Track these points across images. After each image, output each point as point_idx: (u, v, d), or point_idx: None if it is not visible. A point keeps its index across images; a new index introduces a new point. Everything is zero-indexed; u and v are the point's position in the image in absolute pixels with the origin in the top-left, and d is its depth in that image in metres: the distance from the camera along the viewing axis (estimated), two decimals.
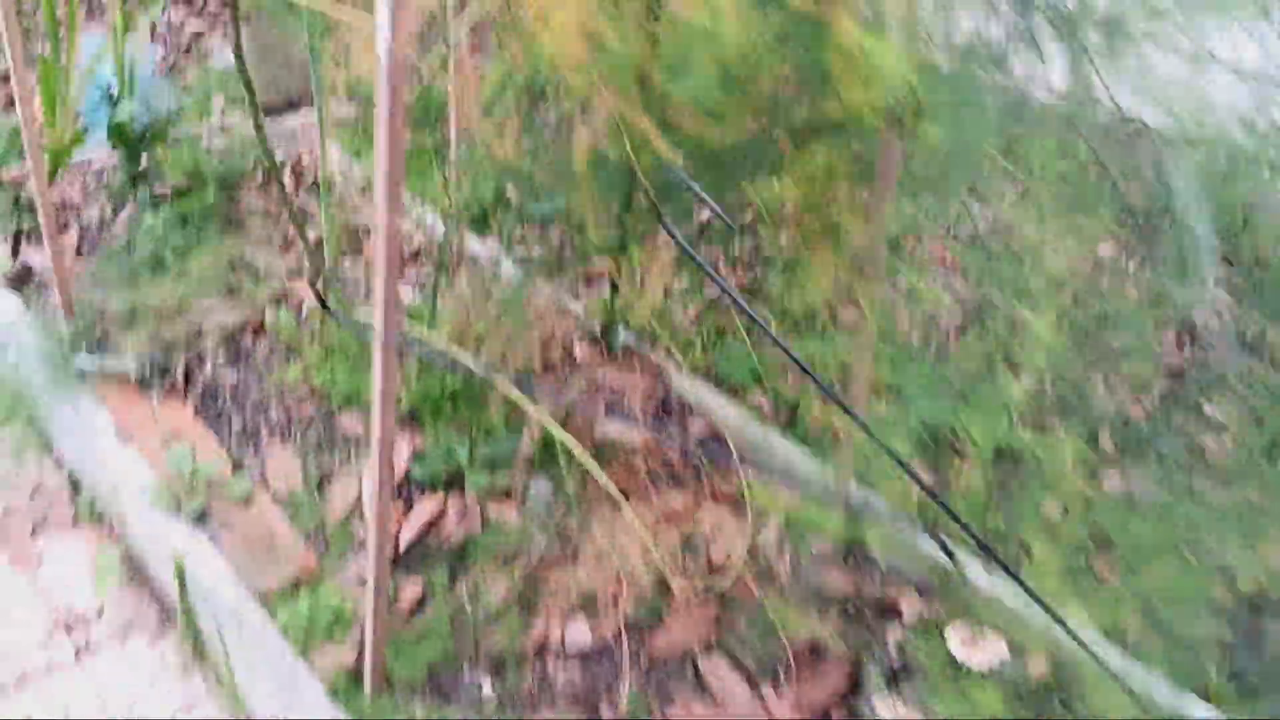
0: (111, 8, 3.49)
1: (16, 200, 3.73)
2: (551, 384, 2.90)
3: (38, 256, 3.53)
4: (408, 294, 3.29)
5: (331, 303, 2.83)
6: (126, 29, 3.43)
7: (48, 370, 3.00)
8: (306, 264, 3.01)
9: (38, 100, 3.50)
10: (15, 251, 3.56)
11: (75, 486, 2.91)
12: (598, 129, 1.81)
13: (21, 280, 3.43)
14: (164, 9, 3.86)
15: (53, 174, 3.81)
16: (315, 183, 4.05)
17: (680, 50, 1.78)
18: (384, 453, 1.94)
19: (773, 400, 3.42)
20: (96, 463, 2.81)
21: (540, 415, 2.59)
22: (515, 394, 2.62)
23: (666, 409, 3.07)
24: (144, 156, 3.59)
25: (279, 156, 4.11)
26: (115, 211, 3.71)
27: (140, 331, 3.05)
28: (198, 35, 5.69)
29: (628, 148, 1.84)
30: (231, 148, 4.15)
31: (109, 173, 3.93)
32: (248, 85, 2.42)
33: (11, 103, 4.73)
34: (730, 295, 2.59)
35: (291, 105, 4.46)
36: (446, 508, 2.63)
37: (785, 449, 2.92)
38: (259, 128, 2.48)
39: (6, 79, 5.10)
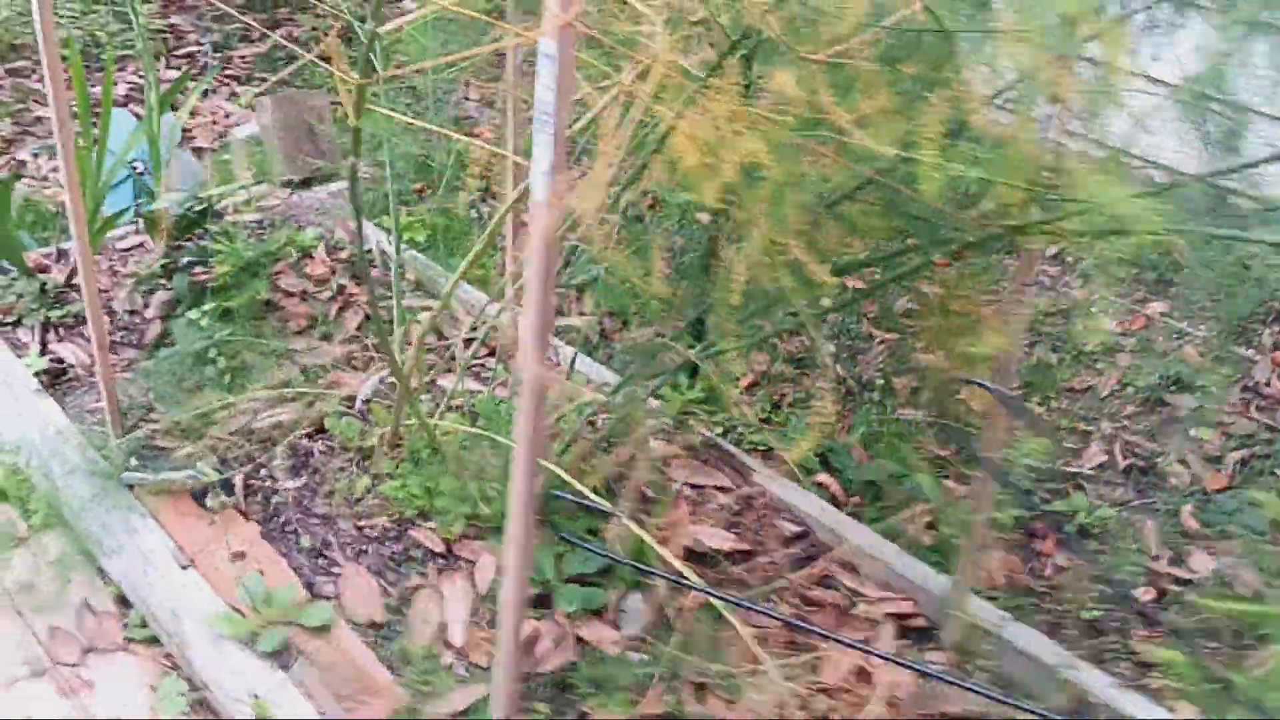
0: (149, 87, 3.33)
1: (43, 288, 3.55)
2: (635, 487, 2.74)
3: (70, 351, 3.35)
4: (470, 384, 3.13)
5: (407, 415, 2.66)
6: (163, 109, 3.27)
7: (92, 482, 2.81)
8: (391, 376, 2.83)
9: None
10: (44, 346, 3.37)
11: (123, 604, 2.74)
12: (749, 252, 1.66)
13: (55, 378, 3.24)
14: (208, 93, 3.68)
15: None
16: (352, 259, 3.89)
17: (851, 178, 1.65)
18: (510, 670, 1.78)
19: (843, 485, 3.29)
20: (152, 584, 2.62)
21: (632, 526, 2.43)
22: (605, 505, 2.47)
23: (752, 507, 2.91)
24: (181, 243, 3.42)
25: (310, 232, 3.96)
26: (146, 299, 3.53)
27: (193, 439, 2.87)
28: (205, 94, 5.52)
29: (779, 272, 1.70)
30: (263, 224, 3.99)
31: (137, 256, 3.76)
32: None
33: (17, 173, 4.56)
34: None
35: (318, 179, 4.31)
36: (539, 631, 2.46)
37: (878, 545, 2.78)
38: (371, 296, 2.30)
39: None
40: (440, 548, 2.65)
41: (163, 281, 3.55)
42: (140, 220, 3.63)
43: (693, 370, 3.04)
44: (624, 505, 2.28)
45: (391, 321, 2.53)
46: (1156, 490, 3.60)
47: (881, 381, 3.87)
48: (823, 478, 3.32)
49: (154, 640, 2.67)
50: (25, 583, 2.82)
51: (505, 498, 2.59)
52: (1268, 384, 4.14)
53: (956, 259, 1.86)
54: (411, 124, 1.83)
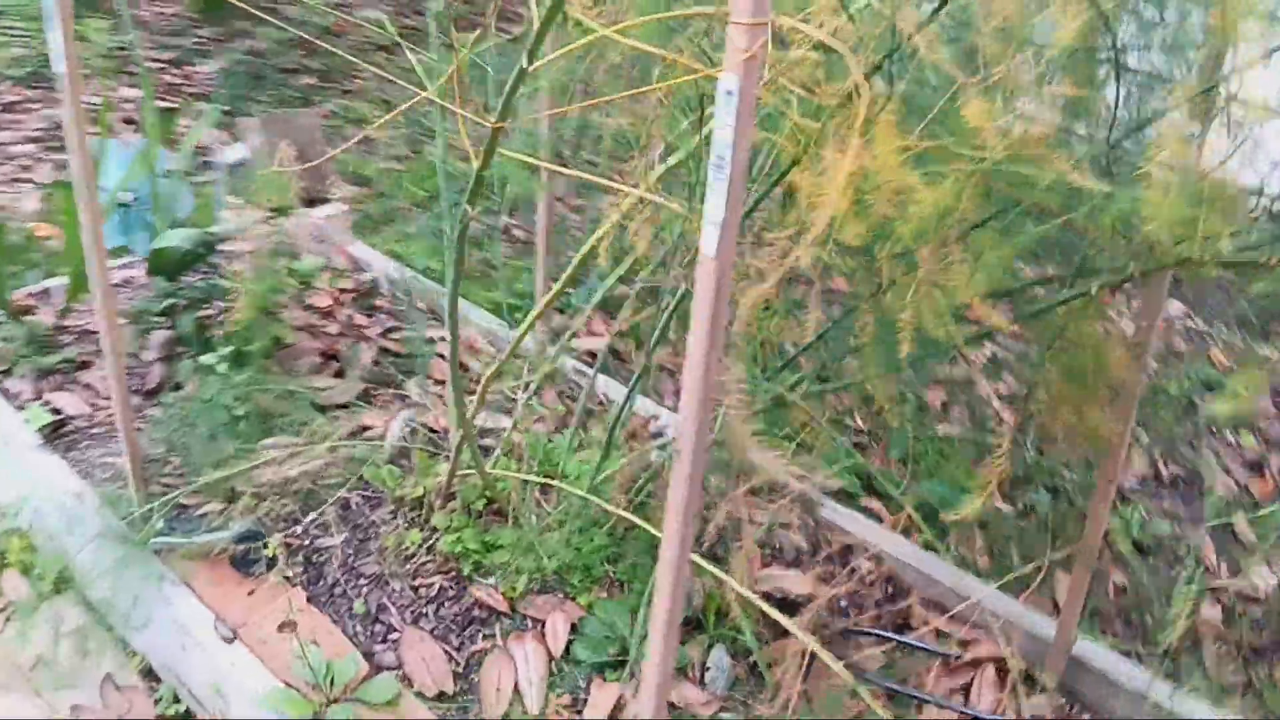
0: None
1: (31, 331, 3.30)
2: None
3: (70, 401, 3.11)
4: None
5: (466, 457, 2.48)
6: (161, 142, 3.03)
7: (114, 546, 2.59)
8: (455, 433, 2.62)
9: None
10: (38, 396, 3.13)
11: (151, 677, 2.53)
12: (914, 293, 1.51)
13: (54, 431, 3.00)
14: (214, 123, 3.42)
15: (74, 295, 3.40)
16: (359, 290, 3.69)
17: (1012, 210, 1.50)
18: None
19: (891, 509, 3.16)
20: (191, 659, 2.42)
21: (719, 575, 2.27)
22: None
23: (822, 543, 2.76)
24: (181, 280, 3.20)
25: (309, 260, 3.74)
26: (142, 341, 3.29)
27: (220, 495, 2.66)
28: (168, 111, 5.26)
29: (943, 315, 1.55)
30: (259, 254, 3.77)
31: (128, 293, 3.52)
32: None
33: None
34: None
35: (312, 202, 4.09)
36: (625, 698, 2.28)
37: (959, 580, 2.64)
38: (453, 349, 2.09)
39: None
40: (504, 606, 2.47)
41: (160, 320, 3.32)
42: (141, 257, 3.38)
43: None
44: (734, 565, 2.11)
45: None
46: (1204, 500, 3.50)
47: (914, 397, 3.74)
48: (869, 502, 3.18)
49: (189, 716, 2.47)
50: (41, 658, 2.60)
51: (571, 549, 2.43)
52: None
53: (1114, 292, 1.73)
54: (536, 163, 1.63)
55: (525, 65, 1.30)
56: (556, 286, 2.02)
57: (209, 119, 3.70)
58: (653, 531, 2.31)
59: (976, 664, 2.48)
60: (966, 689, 2.42)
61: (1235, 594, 3.13)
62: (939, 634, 2.53)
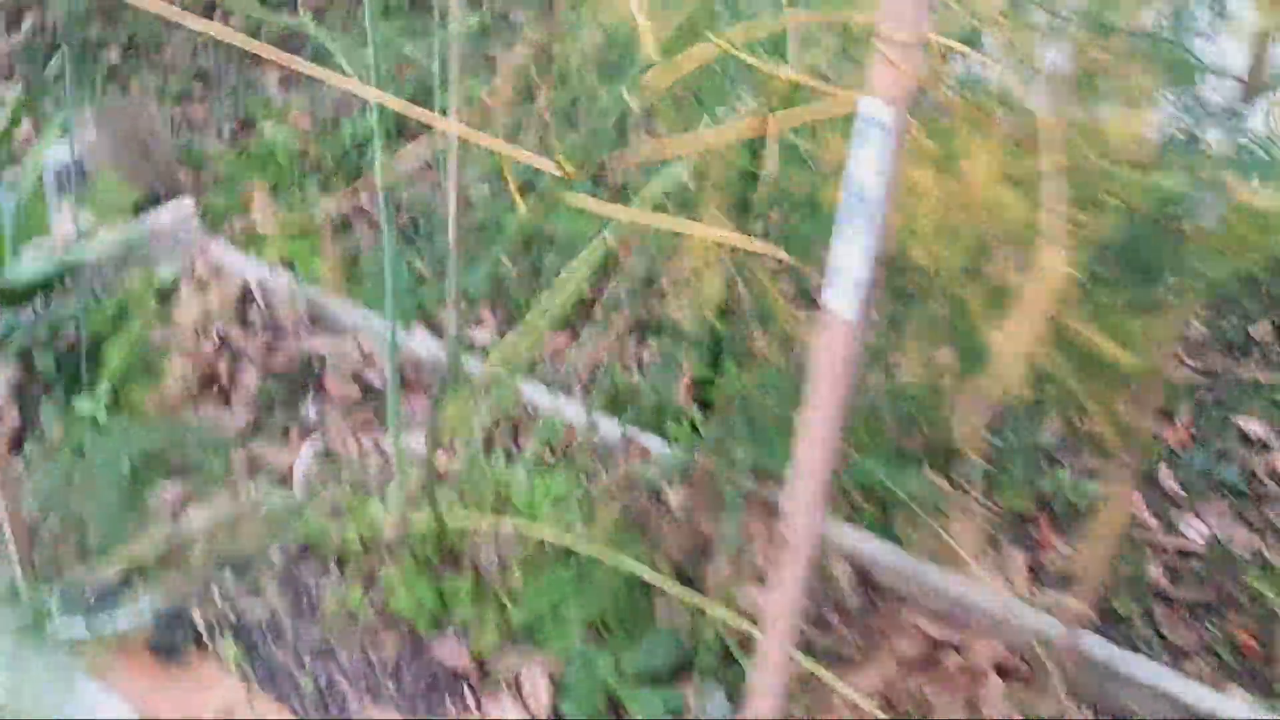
0: None
1: None
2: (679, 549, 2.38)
3: None
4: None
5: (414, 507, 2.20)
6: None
7: (4, 641, 2.22)
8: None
9: None
10: None
11: None
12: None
13: None
14: (66, 130, 2.93)
15: None
16: (231, 301, 3.32)
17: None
18: None
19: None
20: None
21: (699, 602, 2.09)
22: (661, 580, 2.11)
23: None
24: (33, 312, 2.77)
25: (166, 269, 3.34)
26: None
27: (122, 565, 2.31)
28: None
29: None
30: (101, 266, 3.33)
31: None
32: None
33: None
34: None
35: (155, 199, 3.65)
36: None
37: (946, 580, 2.52)
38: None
39: None
40: (470, 665, 2.21)
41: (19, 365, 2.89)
42: None
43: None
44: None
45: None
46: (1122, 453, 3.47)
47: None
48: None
49: None
50: None
51: (538, 593, 2.20)
52: (1185, 325, 4.11)
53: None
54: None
55: (633, 102, 1.04)
56: (532, 313, 1.77)
57: (57, 121, 3.22)
58: (641, 572, 2.11)
59: (971, 670, 2.36)
60: (972, 700, 2.29)
61: (1175, 551, 3.11)
62: (935, 643, 2.40)
